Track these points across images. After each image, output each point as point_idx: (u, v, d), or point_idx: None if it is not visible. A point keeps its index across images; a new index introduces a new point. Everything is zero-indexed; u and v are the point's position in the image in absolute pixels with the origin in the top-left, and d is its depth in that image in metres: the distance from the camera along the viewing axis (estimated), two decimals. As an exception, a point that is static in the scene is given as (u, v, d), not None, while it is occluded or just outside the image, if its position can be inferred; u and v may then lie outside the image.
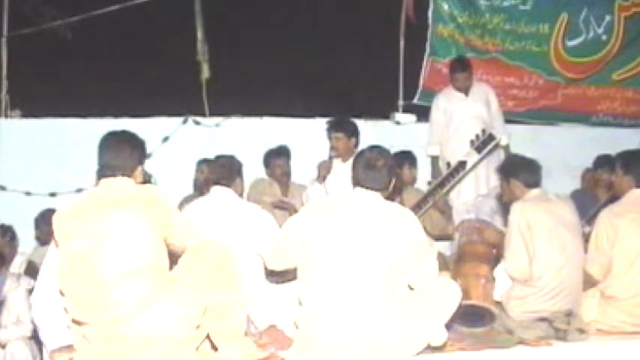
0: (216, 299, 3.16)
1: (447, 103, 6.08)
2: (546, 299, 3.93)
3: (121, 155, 3.23)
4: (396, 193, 4.74)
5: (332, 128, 5.27)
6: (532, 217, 3.96)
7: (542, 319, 3.91)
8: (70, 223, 3.14)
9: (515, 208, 4.03)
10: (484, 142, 5.33)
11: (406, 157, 5.55)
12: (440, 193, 5.28)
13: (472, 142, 5.35)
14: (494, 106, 6.14)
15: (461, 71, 6.05)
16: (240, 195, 4.37)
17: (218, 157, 4.50)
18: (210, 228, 3.68)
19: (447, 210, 5.48)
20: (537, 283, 3.93)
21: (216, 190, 4.22)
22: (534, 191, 4.10)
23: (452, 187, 5.53)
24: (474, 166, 5.37)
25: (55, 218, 3.20)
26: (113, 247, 3.07)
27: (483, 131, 5.45)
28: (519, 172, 4.15)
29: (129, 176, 3.23)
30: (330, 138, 5.27)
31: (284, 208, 5.42)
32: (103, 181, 3.23)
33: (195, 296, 3.09)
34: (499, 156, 5.96)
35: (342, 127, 5.24)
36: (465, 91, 6.05)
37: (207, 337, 3.25)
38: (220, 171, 4.31)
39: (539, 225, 3.95)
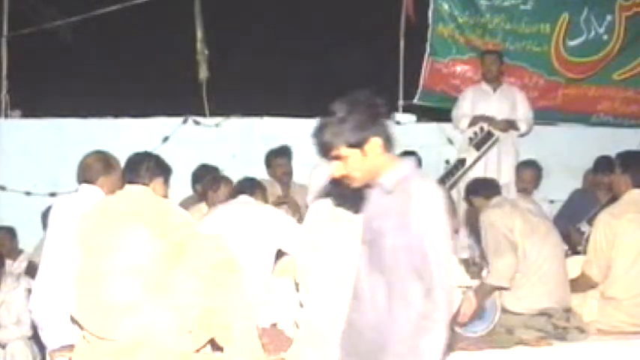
0: (217, 300, 3.15)
1: (474, 96, 6.18)
2: (534, 281, 3.96)
3: (138, 168, 3.35)
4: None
5: None
6: (504, 214, 4.07)
7: (542, 314, 3.92)
8: (87, 225, 3.19)
9: (485, 213, 4.13)
10: (483, 140, 5.37)
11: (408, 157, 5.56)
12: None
13: (470, 139, 5.38)
14: (522, 109, 6.21)
15: (487, 54, 6.29)
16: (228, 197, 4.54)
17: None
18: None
19: (450, 205, 5.48)
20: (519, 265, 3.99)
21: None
22: (495, 199, 4.27)
23: (452, 185, 5.55)
24: (473, 163, 5.39)
25: (78, 219, 3.26)
26: (113, 249, 3.08)
27: (481, 128, 5.49)
28: (478, 189, 4.43)
29: (146, 185, 3.33)
30: None
31: (284, 202, 5.46)
32: (126, 186, 3.33)
33: (189, 300, 3.09)
34: (514, 147, 6.01)
35: None
36: (494, 86, 6.16)
37: (212, 340, 3.24)
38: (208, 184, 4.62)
39: (513, 218, 4.04)
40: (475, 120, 5.99)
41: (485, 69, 6.24)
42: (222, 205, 4.38)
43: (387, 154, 2.46)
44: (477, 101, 6.13)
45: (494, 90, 6.17)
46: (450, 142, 6.59)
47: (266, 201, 4.57)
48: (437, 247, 2.32)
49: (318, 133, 2.45)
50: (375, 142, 2.41)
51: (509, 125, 6.02)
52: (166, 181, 3.47)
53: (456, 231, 5.74)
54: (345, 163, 2.43)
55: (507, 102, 6.13)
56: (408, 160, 2.51)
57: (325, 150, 2.44)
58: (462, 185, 5.80)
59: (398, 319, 2.37)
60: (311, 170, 5.41)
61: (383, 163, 2.44)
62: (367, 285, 2.49)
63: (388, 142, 2.45)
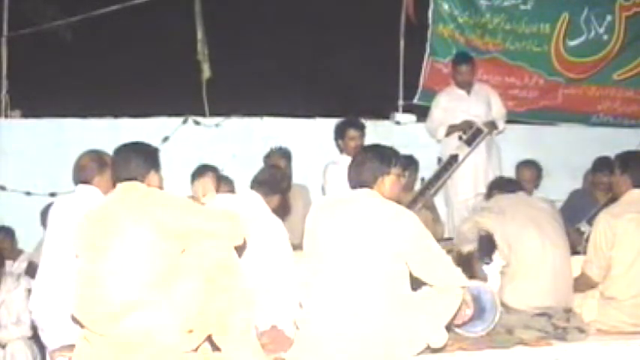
0: (217, 300, 3.15)
1: (449, 102, 6.14)
2: (532, 278, 3.98)
3: (128, 166, 3.31)
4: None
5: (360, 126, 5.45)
6: (507, 203, 4.24)
7: (542, 314, 3.92)
8: (88, 225, 3.19)
9: (492, 199, 4.41)
10: (473, 135, 5.42)
11: (409, 162, 5.54)
12: (435, 187, 5.34)
13: (460, 137, 5.41)
14: (496, 107, 6.20)
15: (463, 63, 6.14)
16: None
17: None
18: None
19: (434, 211, 5.51)
20: (516, 257, 4.04)
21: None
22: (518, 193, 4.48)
23: (445, 181, 5.57)
24: (465, 158, 5.43)
25: (79, 220, 3.26)
26: (114, 248, 3.09)
27: (470, 126, 5.52)
28: (501, 185, 4.64)
29: (142, 181, 3.30)
30: (354, 136, 5.39)
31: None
32: (123, 183, 3.29)
33: (189, 299, 3.09)
34: (498, 154, 6.01)
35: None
36: (467, 89, 6.11)
37: (209, 338, 3.24)
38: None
39: (514, 209, 4.16)
40: (451, 129, 5.98)
41: (458, 78, 6.14)
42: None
43: None
44: (454, 106, 6.07)
45: (469, 92, 6.12)
46: (449, 142, 6.59)
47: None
48: None
49: None
50: None
51: (493, 126, 6.02)
52: (158, 171, 3.45)
53: (440, 239, 5.74)
54: None
55: (483, 102, 6.12)
56: None
57: None
58: (461, 184, 5.86)
59: None
60: (326, 165, 5.43)
61: None
62: None
63: None
